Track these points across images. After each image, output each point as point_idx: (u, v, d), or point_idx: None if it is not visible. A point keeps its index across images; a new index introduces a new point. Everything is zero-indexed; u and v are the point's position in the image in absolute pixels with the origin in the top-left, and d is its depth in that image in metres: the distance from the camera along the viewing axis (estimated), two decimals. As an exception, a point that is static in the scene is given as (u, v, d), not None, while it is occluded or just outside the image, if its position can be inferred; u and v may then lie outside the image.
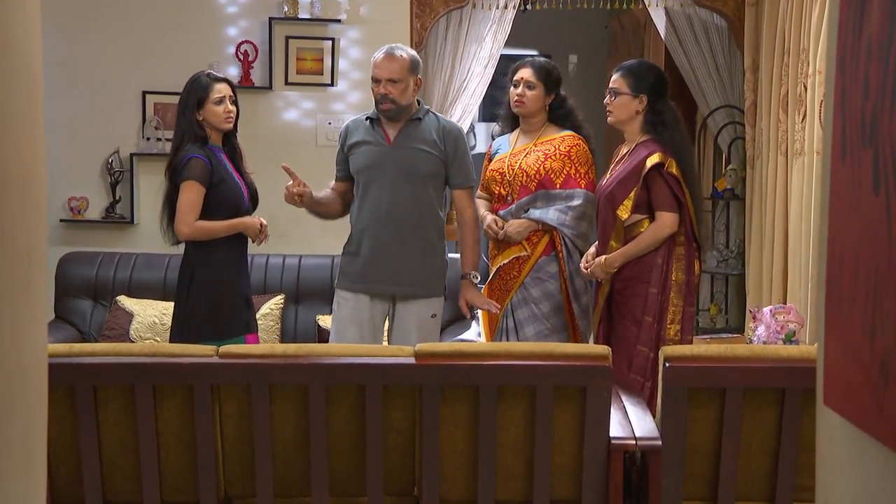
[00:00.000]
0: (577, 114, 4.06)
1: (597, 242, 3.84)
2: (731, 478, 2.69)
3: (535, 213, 3.93)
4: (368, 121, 3.78)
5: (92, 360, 2.65)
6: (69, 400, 2.62)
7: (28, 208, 1.33)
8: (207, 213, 3.63)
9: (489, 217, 4.02)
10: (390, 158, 3.71)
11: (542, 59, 4.09)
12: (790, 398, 2.62)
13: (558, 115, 4.02)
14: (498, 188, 4.03)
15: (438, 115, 3.86)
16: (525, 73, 3.95)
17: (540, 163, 3.94)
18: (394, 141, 3.73)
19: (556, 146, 3.96)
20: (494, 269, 4.01)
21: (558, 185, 3.93)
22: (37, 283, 1.39)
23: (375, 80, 3.68)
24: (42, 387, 1.42)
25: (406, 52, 3.71)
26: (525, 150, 4.00)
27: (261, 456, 2.64)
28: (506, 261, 3.97)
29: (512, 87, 4.00)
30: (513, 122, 4.12)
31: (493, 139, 4.28)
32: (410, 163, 3.71)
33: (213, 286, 3.64)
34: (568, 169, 3.93)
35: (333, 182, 3.89)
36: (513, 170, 3.98)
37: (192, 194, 3.59)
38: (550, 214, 3.91)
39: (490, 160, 4.13)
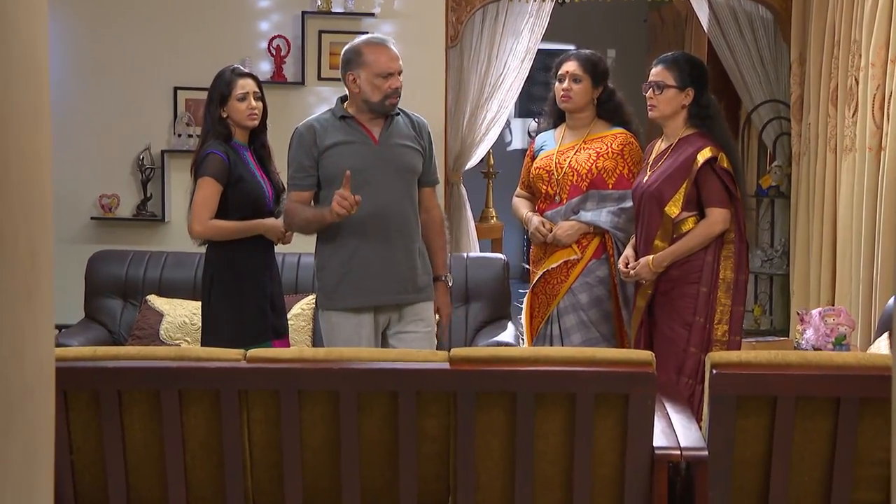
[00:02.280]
0: (627, 108, 3.89)
1: (632, 243, 3.70)
2: (782, 491, 2.57)
3: (587, 215, 3.79)
4: (341, 119, 3.49)
5: (117, 364, 2.59)
6: (94, 405, 2.57)
7: (30, 209, 1.24)
8: (224, 212, 3.53)
9: (535, 219, 3.86)
10: (380, 157, 3.45)
11: (587, 51, 3.92)
12: (845, 408, 2.50)
13: (607, 110, 3.87)
14: (545, 187, 3.88)
15: (404, 108, 3.60)
16: (570, 66, 3.80)
17: (592, 161, 3.79)
18: (380, 139, 3.47)
19: (609, 144, 3.82)
20: (540, 274, 3.86)
21: (610, 186, 3.79)
22: (41, 289, 1.29)
23: (386, 75, 3.39)
24: (48, 402, 1.33)
25: (392, 40, 3.52)
26: (574, 147, 3.85)
27: (290, 463, 2.57)
28: (555, 264, 3.82)
29: (557, 82, 3.84)
30: (557, 118, 3.96)
31: (530, 135, 4.16)
32: (401, 160, 3.48)
33: (233, 290, 3.55)
34: (621, 169, 3.79)
35: (291, 194, 3.49)
36: (562, 168, 3.83)
37: (205, 191, 3.49)
38: (603, 217, 3.77)
39: (533, 158, 3.99)
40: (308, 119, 3.59)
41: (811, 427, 2.54)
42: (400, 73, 3.43)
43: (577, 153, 3.82)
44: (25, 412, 1.22)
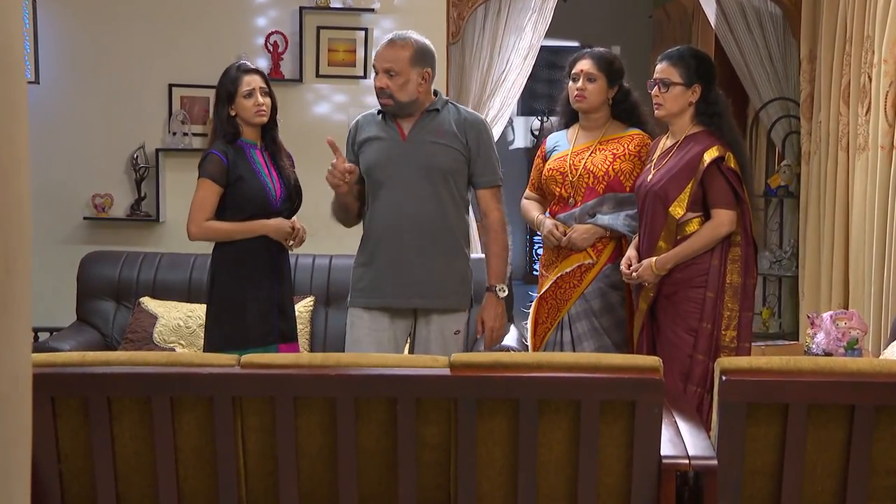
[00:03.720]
0: (643, 108, 3.79)
1: (635, 243, 3.61)
2: (795, 502, 2.50)
3: (604, 219, 3.69)
4: (381, 115, 3.46)
5: (106, 370, 2.53)
6: (82, 412, 2.51)
7: (5, 210, 1.16)
8: (224, 213, 3.52)
9: (548, 222, 3.77)
10: (405, 155, 3.39)
11: (601, 49, 3.83)
12: (860, 415, 2.44)
13: (622, 110, 3.78)
14: (558, 189, 3.78)
15: (459, 105, 3.53)
16: (584, 65, 3.71)
17: (609, 163, 3.70)
18: (408, 135, 3.40)
19: (625, 146, 3.73)
20: (553, 278, 3.77)
21: (628, 189, 3.70)
22: (17, 298, 1.21)
23: (375, 71, 3.38)
24: (24, 418, 1.25)
25: (411, 40, 3.36)
26: (589, 148, 3.75)
27: (285, 472, 2.52)
28: (569, 269, 3.73)
29: (570, 81, 3.75)
30: (569, 118, 3.87)
31: (533, 133, 4.08)
32: (428, 159, 3.38)
33: (233, 291, 3.52)
34: (638, 171, 3.70)
35: None
36: (576, 170, 3.73)
37: (203, 192, 3.49)
38: (620, 221, 3.68)
39: (544, 158, 3.89)
40: (361, 114, 3.62)
41: (824, 436, 2.49)
42: (388, 71, 3.33)
43: (593, 155, 3.73)
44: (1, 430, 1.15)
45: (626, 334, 3.74)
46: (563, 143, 3.84)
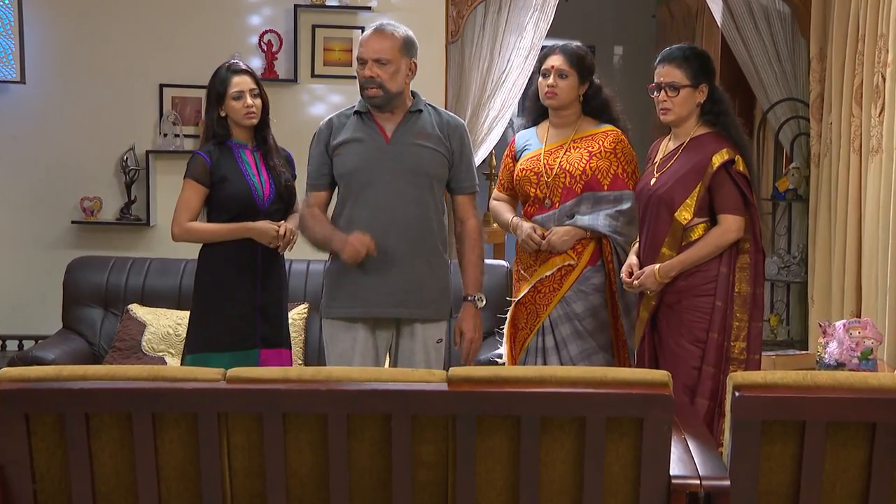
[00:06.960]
0: (614, 105, 3.73)
1: (635, 249, 3.51)
2: (812, 524, 2.43)
3: (584, 219, 3.61)
4: (357, 115, 3.37)
5: (84, 385, 2.45)
6: (59, 429, 2.45)
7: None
8: (210, 214, 3.55)
9: (526, 225, 3.68)
10: (389, 157, 3.30)
11: (573, 44, 3.75)
12: (882, 434, 2.37)
13: (593, 107, 3.71)
14: (533, 190, 3.69)
15: (438, 107, 3.47)
16: (556, 61, 3.64)
17: (585, 162, 3.62)
18: (392, 136, 3.32)
19: (600, 143, 3.65)
20: (533, 282, 3.67)
21: (606, 187, 3.61)
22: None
23: (361, 62, 3.29)
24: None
25: (399, 29, 3.33)
26: (562, 146, 3.67)
27: (274, 493, 2.44)
28: (549, 272, 3.64)
29: (541, 77, 3.69)
30: (537, 115, 3.80)
31: (514, 132, 3.98)
32: (414, 161, 3.30)
33: (213, 293, 3.53)
34: (615, 168, 3.63)
35: (309, 195, 3.43)
36: (551, 169, 3.65)
37: (186, 193, 3.53)
38: (601, 221, 3.59)
39: (514, 158, 3.80)
40: (333, 113, 3.51)
41: (843, 455, 2.42)
42: (378, 61, 3.26)
43: (568, 153, 3.65)
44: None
45: (611, 336, 3.68)
46: (533, 141, 3.77)
